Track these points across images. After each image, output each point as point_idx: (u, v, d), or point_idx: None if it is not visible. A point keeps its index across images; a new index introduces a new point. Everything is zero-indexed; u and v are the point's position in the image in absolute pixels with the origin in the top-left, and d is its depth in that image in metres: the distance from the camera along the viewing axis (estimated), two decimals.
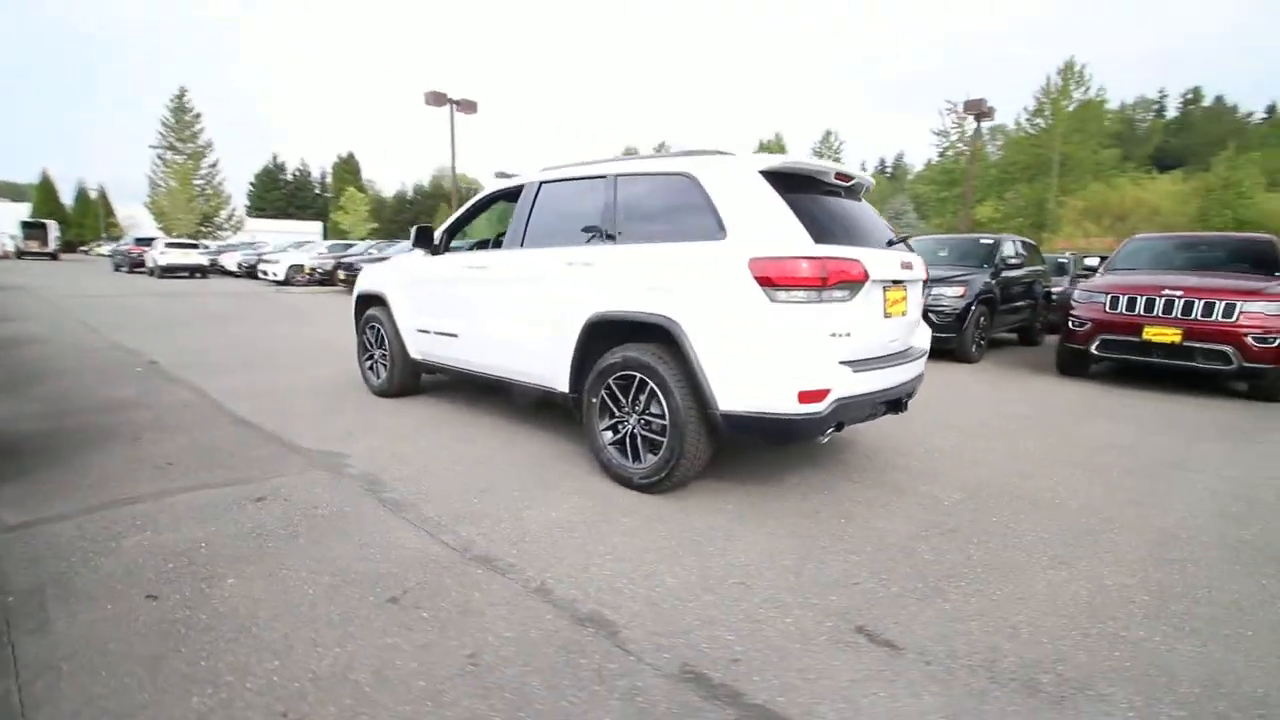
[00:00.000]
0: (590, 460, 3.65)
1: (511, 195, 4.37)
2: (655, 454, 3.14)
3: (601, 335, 3.35)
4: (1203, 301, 5.91)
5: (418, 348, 4.77)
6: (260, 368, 6.38)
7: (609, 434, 3.37)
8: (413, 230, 4.55)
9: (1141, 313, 6.21)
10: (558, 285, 3.56)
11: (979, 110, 20.03)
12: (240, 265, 23.78)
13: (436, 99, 20.63)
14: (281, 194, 63.89)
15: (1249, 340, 5.71)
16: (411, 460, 3.64)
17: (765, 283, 2.74)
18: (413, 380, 5.14)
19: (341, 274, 17.54)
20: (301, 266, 19.73)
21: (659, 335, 3.10)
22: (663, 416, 3.07)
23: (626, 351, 3.19)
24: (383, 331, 5.06)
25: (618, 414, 3.30)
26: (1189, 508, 3.28)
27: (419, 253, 4.82)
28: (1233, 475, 3.84)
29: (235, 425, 4.30)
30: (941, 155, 48.67)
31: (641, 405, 3.17)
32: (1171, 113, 72.61)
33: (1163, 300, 6.11)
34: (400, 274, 4.88)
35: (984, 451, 4.18)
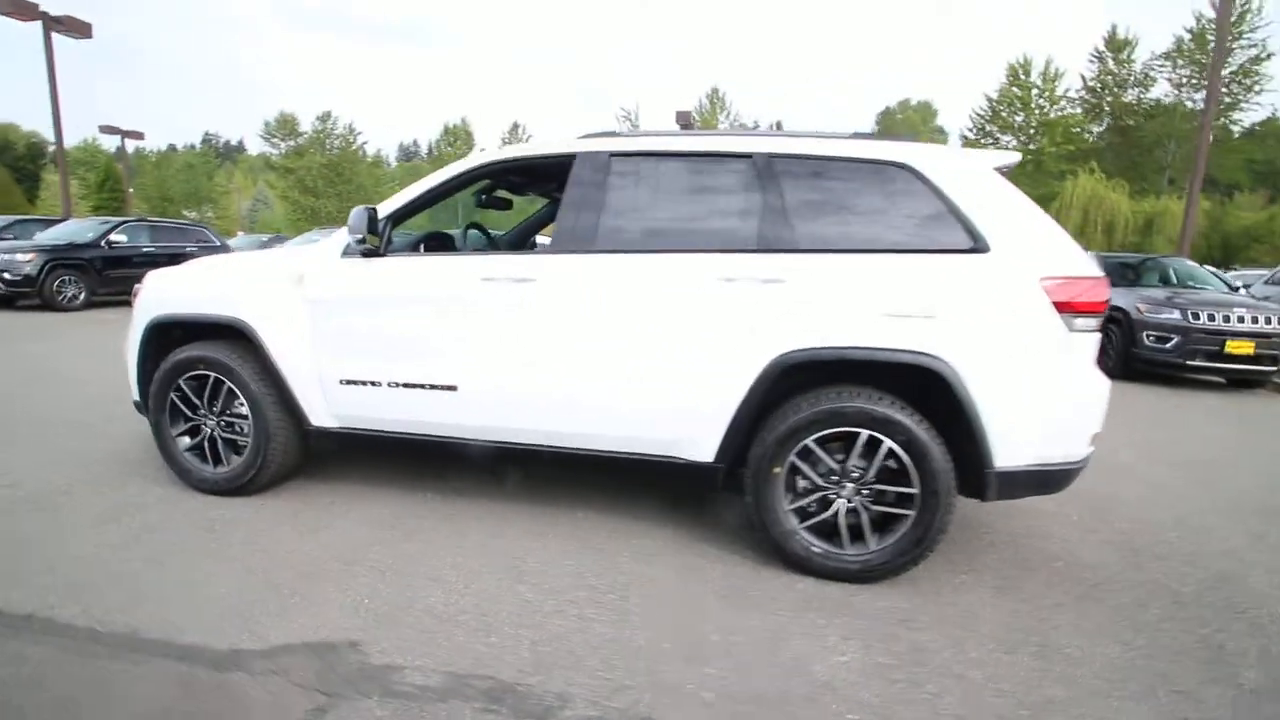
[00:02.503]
0: (743, 552, 2.64)
1: (526, 170, 2.89)
2: (889, 533, 2.38)
3: (790, 379, 2.40)
4: None
5: (340, 410, 2.87)
6: None
7: (795, 516, 2.45)
8: (356, 215, 2.64)
9: None
10: (707, 311, 2.42)
11: (685, 122, 22.27)
12: None
13: (19, 9, 13.64)
14: None
15: None
16: (492, 623, 2.10)
17: (1064, 308, 2.23)
18: (296, 462, 3.12)
19: None
20: None
21: (902, 377, 2.34)
22: (904, 483, 2.32)
23: (844, 402, 2.33)
24: (235, 387, 2.92)
25: (820, 486, 2.41)
26: None
27: (325, 252, 2.88)
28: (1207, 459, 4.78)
29: None
30: None
31: (868, 471, 2.36)
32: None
33: None
34: (291, 286, 2.85)
35: None
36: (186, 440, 3.09)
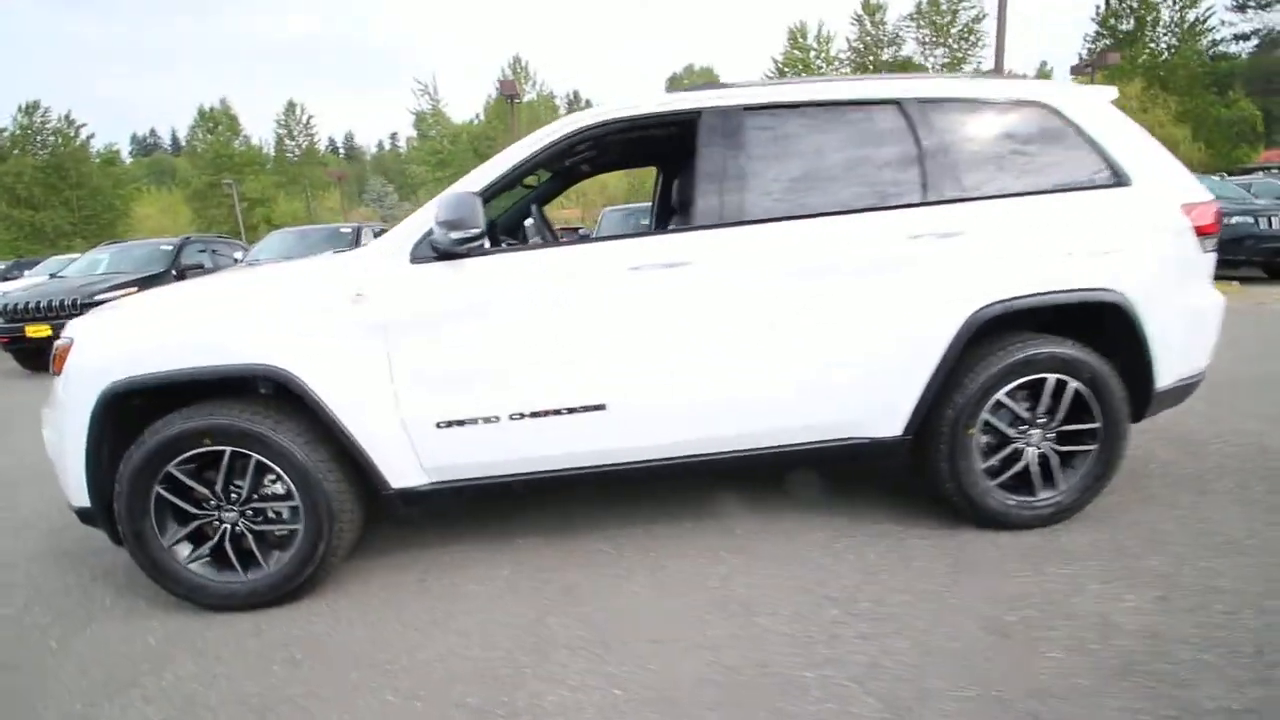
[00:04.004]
0: (925, 523, 2.52)
1: (625, 134, 2.38)
2: (1074, 472, 2.41)
3: (981, 335, 2.29)
4: None
5: (438, 460, 2.20)
6: None
7: (988, 474, 2.39)
8: (460, 203, 1.94)
9: None
10: (893, 274, 2.21)
11: (512, 92, 21.12)
12: None
13: None
14: None
15: None
16: (793, 679, 1.76)
17: (1202, 232, 2.38)
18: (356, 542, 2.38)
19: None
20: None
21: (1082, 318, 2.34)
22: (1086, 420, 2.37)
23: (1032, 349, 2.28)
24: (268, 459, 2.11)
25: (1011, 438, 2.37)
26: None
27: (383, 256, 2.16)
28: None
29: None
30: (422, 137, 49.90)
31: (1055, 415, 2.36)
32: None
33: None
34: (343, 308, 2.08)
35: None
36: (187, 548, 2.20)
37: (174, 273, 8.90)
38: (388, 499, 2.24)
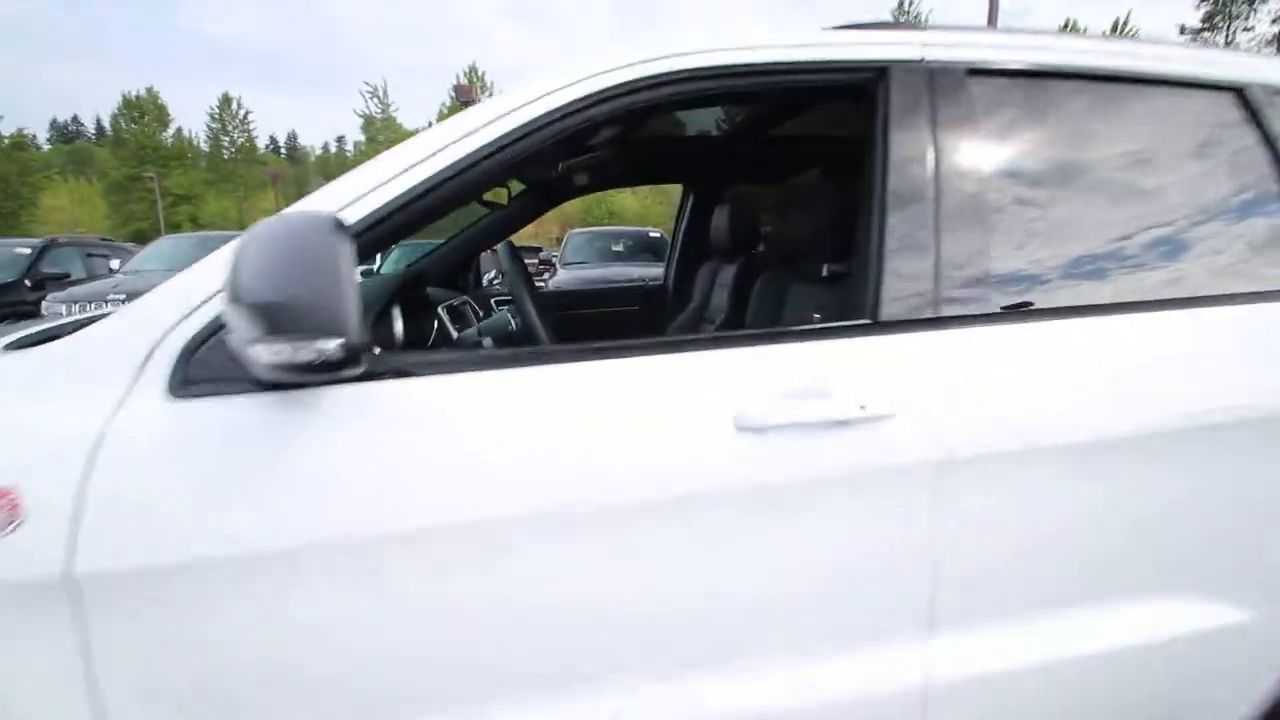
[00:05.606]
0: None
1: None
2: None
3: None
4: None
5: None
6: None
7: None
8: (257, 259, 0.62)
9: None
10: (1261, 434, 1.03)
11: (468, 98, 19.82)
12: None
13: None
14: None
15: None
16: None
17: None
18: None
19: None
20: None
21: None
22: None
23: None
24: None
25: None
26: None
27: (95, 372, 0.80)
28: None
29: None
30: (370, 140, 48.25)
31: None
32: None
33: None
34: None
35: None
36: None
37: (27, 283, 7.11)
38: None
